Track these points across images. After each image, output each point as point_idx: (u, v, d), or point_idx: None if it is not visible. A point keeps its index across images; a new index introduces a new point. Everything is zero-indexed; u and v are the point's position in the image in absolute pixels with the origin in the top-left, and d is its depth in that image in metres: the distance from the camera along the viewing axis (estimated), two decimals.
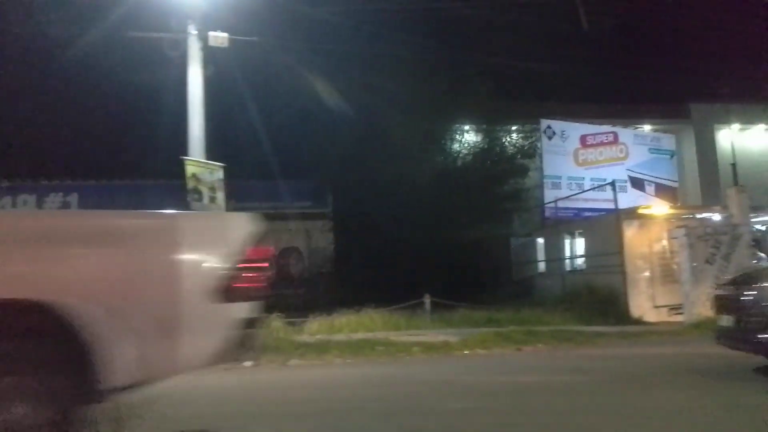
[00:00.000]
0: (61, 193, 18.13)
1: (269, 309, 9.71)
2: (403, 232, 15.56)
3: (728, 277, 5.85)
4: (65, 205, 18.22)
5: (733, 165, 16.44)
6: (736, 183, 14.49)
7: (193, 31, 8.56)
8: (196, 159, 8.58)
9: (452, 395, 5.13)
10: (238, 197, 19.14)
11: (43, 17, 9.48)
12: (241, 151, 17.48)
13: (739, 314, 4.92)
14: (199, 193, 8.44)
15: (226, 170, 17.75)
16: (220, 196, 8.74)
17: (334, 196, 18.80)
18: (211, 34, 8.65)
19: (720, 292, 5.28)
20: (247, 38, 8.95)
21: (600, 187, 14.74)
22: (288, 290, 18.65)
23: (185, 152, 10.01)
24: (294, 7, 14.47)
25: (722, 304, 5.25)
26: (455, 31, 21.00)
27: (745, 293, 4.85)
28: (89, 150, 17.70)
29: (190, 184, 8.34)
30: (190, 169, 8.36)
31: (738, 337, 4.94)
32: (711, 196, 18.56)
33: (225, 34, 8.68)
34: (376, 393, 5.44)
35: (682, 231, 9.72)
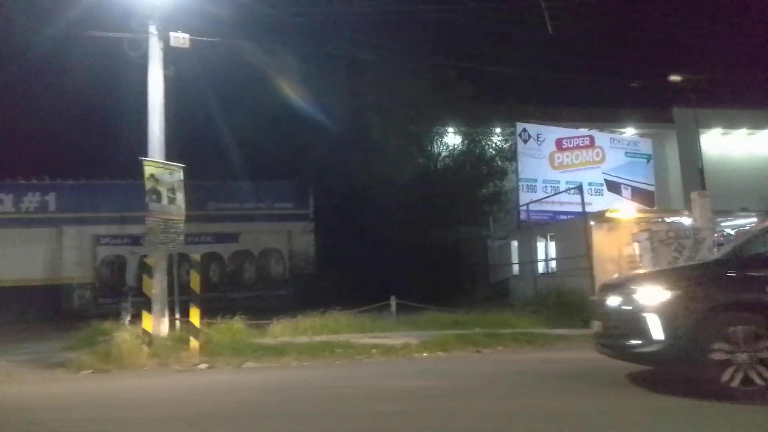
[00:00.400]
0: (38, 193, 18.07)
1: (233, 311, 9.71)
2: (384, 234, 15.59)
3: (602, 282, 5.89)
4: (43, 205, 18.20)
5: (700, 169, 16.59)
6: (703, 187, 14.56)
7: (153, 31, 8.52)
8: (155, 160, 8.52)
9: (386, 397, 5.13)
10: (219, 198, 19.24)
11: (5, 17, 9.41)
12: (222, 153, 17.51)
13: (603, 320, 4.96)
14: (158, 193, 8.38)
15: (208, 172, 17.79)
16: (180, 197, 8.68)
17: (315, 198, 18.83)
18: (173, 34, 8.60)
19: (592, 297, 5.31)
20: (209, 39, 8.90)
21: (568, 191, 14.80)
22: (268, 291, 18.70)
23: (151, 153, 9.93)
24: (271, 9, 14.49)
25: (592, 309, 5.29)
26: (437, 34, 21.05)
27: (608, 299, 4.88)
28: (65, 150, 17.64)
29: (149, 184, 8.28)
30: (148, 170, 8.31)
31: (603, 342, 4.97)
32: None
33: (186, 35, 8.64)
34: (312, 395, 5.43)
35: (645, 235, 9.75)
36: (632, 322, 4.50)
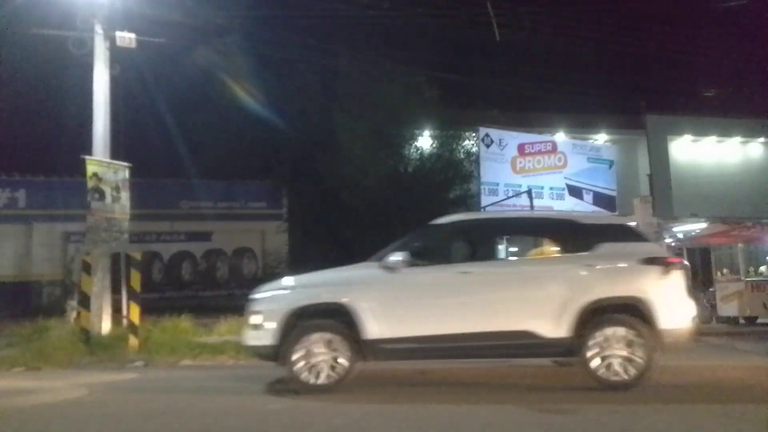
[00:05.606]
0: (8, 189, 18.04)
1: (202, 310, 9.78)
2: (353, 235, 15.73)
3: None
4: (12, 201, 18.19)
5: (650, 176, 16.87)
6: (651, 193, 14.79)
7: (98, 30, 8.61)
8: (98, 158, 8.61)
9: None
10: (192, 197, 19.29)
11: None
12: (195, 153, 17.63)
13: None
14: (101, 192, 8.46)
15: (181, 172, 17.77)
16: (125, 195, 8.77)
17: (289, 198, 18.93)
18: (119, 34, 8.68)
19: None
20: (155, 39, 8.98)
21: (517, 195, 15.02)
22: (240, 290, 18.78)
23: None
24: (241, 11, 14.64)
25: None
26: (410, 38, 21.23)
27: None
28: (34, 146, 17.66)
29: (91, 183, 8.36)
30: (91, 168, 8.39)
31: None
32: (664, 205, 18.88)
33: (132, 35, 8.72)
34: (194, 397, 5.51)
35: None
36: None
